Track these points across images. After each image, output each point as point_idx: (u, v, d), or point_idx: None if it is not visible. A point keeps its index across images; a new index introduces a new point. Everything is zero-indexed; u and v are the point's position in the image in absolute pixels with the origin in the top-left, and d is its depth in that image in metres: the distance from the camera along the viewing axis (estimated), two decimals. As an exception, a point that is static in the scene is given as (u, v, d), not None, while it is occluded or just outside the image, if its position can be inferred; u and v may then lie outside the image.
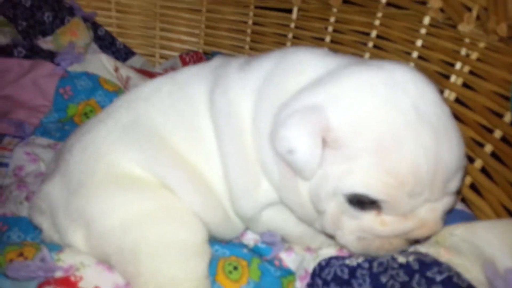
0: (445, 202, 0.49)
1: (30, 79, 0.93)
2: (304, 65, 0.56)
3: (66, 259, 0.56)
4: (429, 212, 0.48)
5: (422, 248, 0.51)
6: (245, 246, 0.66)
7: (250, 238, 0.66)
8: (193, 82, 0.63)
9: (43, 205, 0.60)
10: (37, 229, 0.68)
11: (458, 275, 0.45)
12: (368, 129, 0.47)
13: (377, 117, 0.47)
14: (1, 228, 0.68)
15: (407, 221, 0.48)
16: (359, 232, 0.50)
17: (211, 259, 0.62)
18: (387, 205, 0.47)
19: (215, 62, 0.66)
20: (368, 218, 0.49)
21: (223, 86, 0.59)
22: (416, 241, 0.50)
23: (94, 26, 1.22)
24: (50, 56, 0.98)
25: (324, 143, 0.48)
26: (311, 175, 0.49)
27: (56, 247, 0.58)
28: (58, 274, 0.54)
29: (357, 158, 0.46)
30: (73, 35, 1.09)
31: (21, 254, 0.59)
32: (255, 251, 0.65)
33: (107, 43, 1.24)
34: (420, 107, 0.47)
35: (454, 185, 0.49)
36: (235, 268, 0.60)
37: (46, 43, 1.05)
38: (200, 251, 0.55)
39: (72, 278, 0.54)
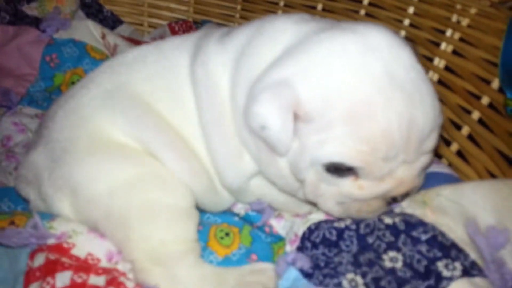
0: (422, 161, 0.49)
1: (15, 46, 0.90)
2: (278, 34, 0.55)
3: (58, 227, 0.55)
4: (406, 171, 0.49)
5: (408, 209, 0.52)
6: (236, 214, 0.66)
7: (241, 207, 0.67)
8: (177, 52, 0.62)
9: (29, 175, 0.60)
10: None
11: (443, 234, 0.46)
12: (339, 98, 0.46)
13: (348, 86, 0.47)
14: (-9, 198, 0.68)
15: (384, 183, 0.49)
16: (338, 197, 0.51)
17: (203, 226, 0.63)
18: (363, 171, 0.48)
19: (200, 33, 0.66)
20: (346, 184, 0.50)
21: (203, 57, 0.59)
22: (394, 199, 0.51)
23: (81, -7, 1.18)
24: (35, 22, 0.95)
25: (297, 117, 0.48)
26: (285, 151, 0.50)
27: (48, 216, 0.57)
28: (51, 241, 0.54)
29: (331, 128, 0.46)
30: (59, 1, 1.06)
31: (12, 223, 0.59)
32: (246, 219, 0.65)
33: (94, 11, 1.21)
34: (393, 72, 0.46)
35: (429, 144, 0.49)
36: (227, 234, 0.61)
37: (31, 9, 1.01)
38: (187, 215, 0.56)
39: (65, 245, 0.55)
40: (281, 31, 0.55)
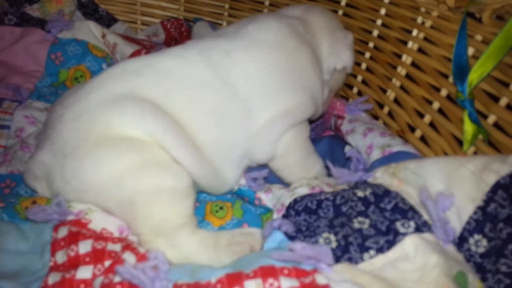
0: None
1: (22, 45, 0.97)
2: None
3: (76, 206, 0.63)
4: None
5: (380, 179, 0.62)
6: (228, 192, 0.76)
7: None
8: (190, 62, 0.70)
9: (37, 172, 0.66)
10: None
11: (403, 200, 0.56)
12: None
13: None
14: (10, 184, 0.75)
15: None
16: None
17: (200, 203, 0.72)
18: None
19: (200, 44, 0.73)
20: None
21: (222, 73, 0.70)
22: None
23: (77, -7, 1.25)
24: (40, 23, 1.02)
25: None
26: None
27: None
28: (70, 217, 0.62)
29: None
30: (59, 2, 1.13)
31: (34, 202, 0.67)
32: (238, 194, 0.75)
33: (90, 10, 1.28)
34: None
35: None
36: (221, 208, 0.71)
37: (33, 10, 1.08)
38: (186, 194, 0.63)
39: (83, 221, 0.62)
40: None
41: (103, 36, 1.04)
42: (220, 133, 0.68)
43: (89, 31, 1.02)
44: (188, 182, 0.65)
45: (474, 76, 0.66)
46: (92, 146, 0.61)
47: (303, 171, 0.75)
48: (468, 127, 0.66)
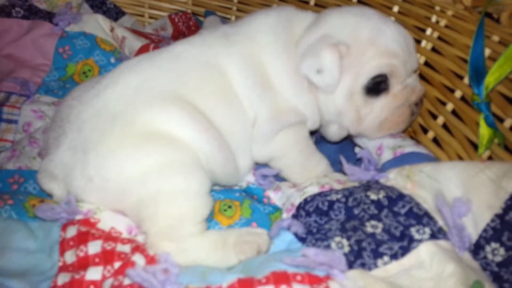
0: (416, 75, 0.75)
1: (30, 39, 0.97)
2: (293, 25, 0.76)
3: (84, 205, 0.63)
4: (413, 80, 0.73)
5: (393, 181, 0.61)
6: (237, 190, 0.75)
7: (243, 180, 0.76)
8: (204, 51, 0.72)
9: (55, 171, 0.64)
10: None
11: (418, 205, 0.56)
12: (360, 33, 0.70)
13: (361, 25, 0.71)
14: (18, 180, 0.75)
15: (406, 90, 0.72)
16: (382, 113, 0.71)
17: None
18: (392, 75, 0.70)
19: (204, 33, 0.77)
20: (383, 99, 0.70)
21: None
22: (416, 106, 0.74)
23: (85, -14, 1.24)
24: (48, 16, 1.01)
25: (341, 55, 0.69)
26: (334, 87, 0.69)
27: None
28: (78, 217, 0.62)
29: (362, 55, 0.69)
30: (66, -6, 1.11)
31: (42, 201, 0.67)
32: (247, 192, 0.74)
33: (98, 3, 1.26)
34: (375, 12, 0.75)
35: (415, 61, 0.74)
36: (230, 207, 0.70)
37: (40, 3, 1.07)
38: (207, 200, 0.63)
39: (92, 220, 0.62)
40: (298, 21, 0.76)
41: (112, 29, 1.03)
42: (231, 115, 0.69)
43: (97, 25, 1.01)
44: (209, 187, 0.64)
45: (491, 78, 0.65)
46: (116, 142, 0.61)
47: (305, 171, 0.74)
48: (484, 130, 0.65)
